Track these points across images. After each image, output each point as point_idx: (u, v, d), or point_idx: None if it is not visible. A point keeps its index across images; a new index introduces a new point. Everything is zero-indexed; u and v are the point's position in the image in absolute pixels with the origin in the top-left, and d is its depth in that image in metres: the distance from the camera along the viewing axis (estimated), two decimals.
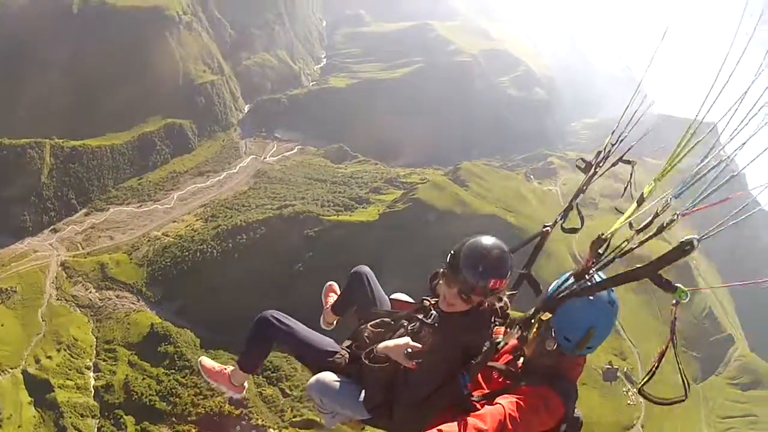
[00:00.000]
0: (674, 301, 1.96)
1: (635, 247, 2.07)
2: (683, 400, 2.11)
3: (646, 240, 2.04)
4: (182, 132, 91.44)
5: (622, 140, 3.10)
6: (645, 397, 2.22)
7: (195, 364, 45.34)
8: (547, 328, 2.55)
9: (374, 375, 3.01)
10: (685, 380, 2.15)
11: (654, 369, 2.10)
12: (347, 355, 3.26)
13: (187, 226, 76.02)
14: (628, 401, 52.98)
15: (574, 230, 3.28)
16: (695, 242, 1.79)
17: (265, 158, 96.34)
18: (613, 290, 2.50)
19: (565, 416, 2.66)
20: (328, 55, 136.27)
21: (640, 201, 2.37)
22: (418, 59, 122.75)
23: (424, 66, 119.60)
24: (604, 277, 2.28)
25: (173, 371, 53.56)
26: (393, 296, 3.66)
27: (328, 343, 3.39)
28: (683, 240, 1.82)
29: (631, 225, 2.18)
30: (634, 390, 49.29)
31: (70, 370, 55.18)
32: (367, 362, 3.00)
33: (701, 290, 70.43)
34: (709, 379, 62.98)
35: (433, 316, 2.93)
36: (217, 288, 61.53)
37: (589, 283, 2.27)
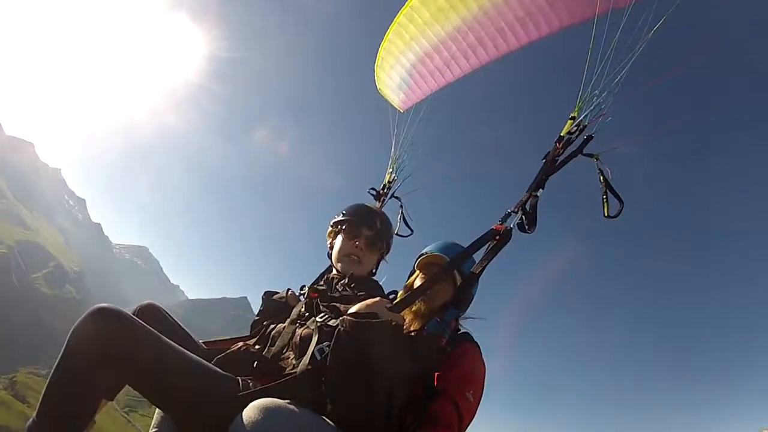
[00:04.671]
0: (596, 161, 2.65)
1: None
2: None
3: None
4: None
5: (395, 180, 3.68)
6: None
7: None
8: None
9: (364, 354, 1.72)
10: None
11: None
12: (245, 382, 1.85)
13: None
14: None
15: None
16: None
17: None
18: None
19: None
20: None
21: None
22: None
23: None
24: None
25: None
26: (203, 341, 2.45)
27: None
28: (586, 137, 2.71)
29: None
30: None
31: None
32: (356, 319, 1.76)
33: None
34: None
35: (347, 291, 2.29)
36: None
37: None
